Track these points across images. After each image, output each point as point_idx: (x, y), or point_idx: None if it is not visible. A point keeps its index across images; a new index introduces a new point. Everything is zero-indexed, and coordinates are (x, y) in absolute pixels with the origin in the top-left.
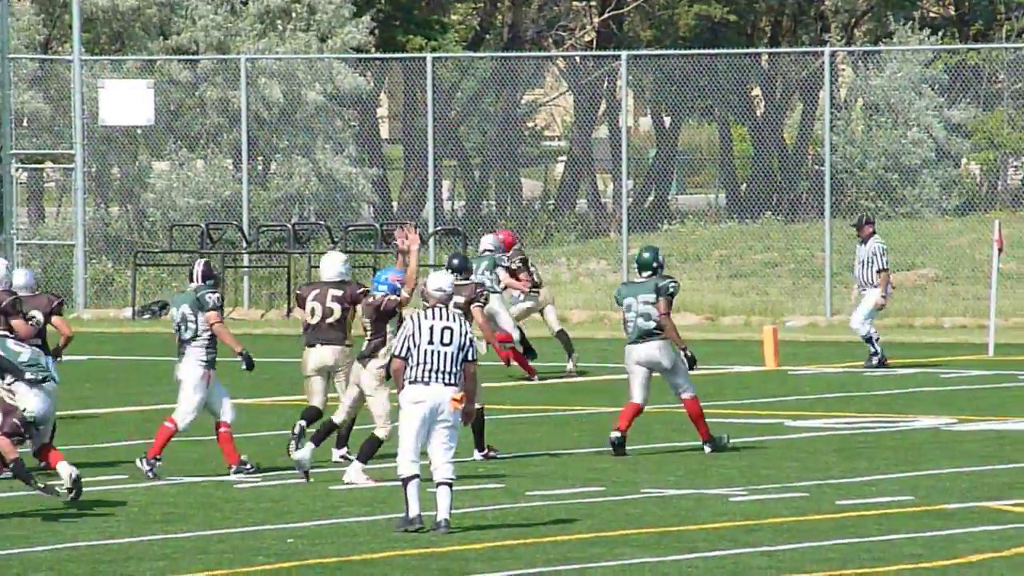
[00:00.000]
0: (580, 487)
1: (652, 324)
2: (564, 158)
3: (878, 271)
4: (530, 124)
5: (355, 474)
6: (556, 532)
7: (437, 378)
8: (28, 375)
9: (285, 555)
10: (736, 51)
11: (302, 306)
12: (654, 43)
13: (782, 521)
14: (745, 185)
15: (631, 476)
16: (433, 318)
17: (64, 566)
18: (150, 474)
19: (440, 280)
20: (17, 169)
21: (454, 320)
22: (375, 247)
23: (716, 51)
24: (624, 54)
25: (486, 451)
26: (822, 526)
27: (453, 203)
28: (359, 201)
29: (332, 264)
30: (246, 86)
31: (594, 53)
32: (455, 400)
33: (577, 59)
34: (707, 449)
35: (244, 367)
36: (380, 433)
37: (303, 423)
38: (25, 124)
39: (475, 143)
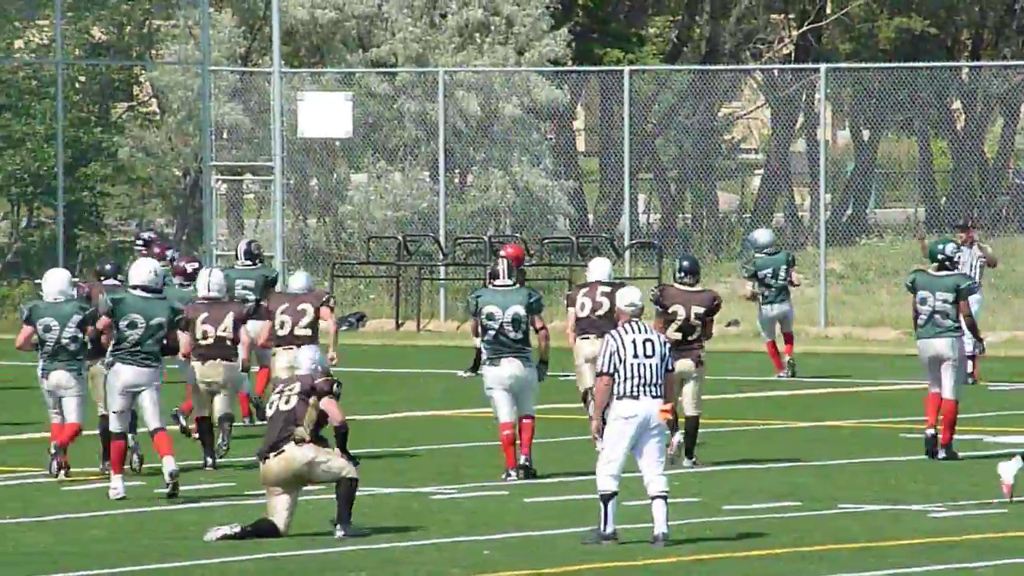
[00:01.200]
0: (777, 502)
1: (949, 322)
2: (761, 171)
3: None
4: (727, 137)
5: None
6: (751, 547)
7: (646, 391)
8: None
9: (479, 567)
10: (936, 64)
11: (572, 305)
12: (853, 56)
13: (982, 538)
14: (944, 199)
15: (828, 491)
16: (634, 332)
17: None
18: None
19: (632, 295)
20: (217, 181)
21: (651, 332)
22: (570, 260)
23: (916, 64)
24: (823, 67)
25: (695, 460)
26: (1022, 543)
27: (649, 216)
28: (555, 214)
29: (602, 267)
30: (444, 99)
31: (792, 66)
32: (664, 411)
33: (775, 72)
34: (941, 454)
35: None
36: None
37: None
38: (225, 136)
39: (671, 156)
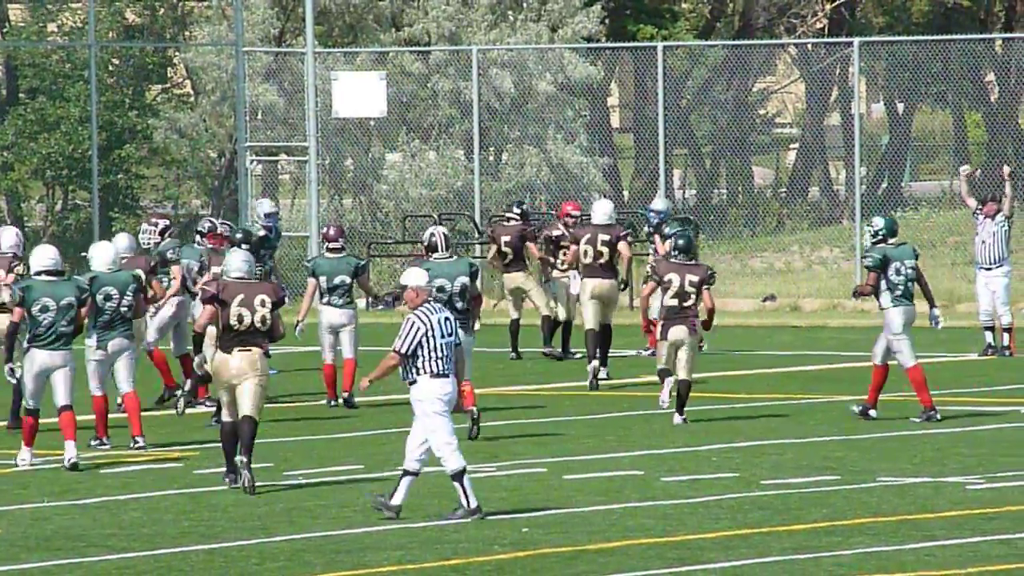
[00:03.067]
0: (816, 475)
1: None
2: (796, 145)
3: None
4: (761, 112)
5: None
6: (791, 521)
7: (450, 369)
8: None
9: (520, 544)
10: (970, 36)
11: (576, 243)
12: (887, 29)
13: (1021, 509)
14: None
15: (867, 464)
16: (437, 311)
17: (300, 556)
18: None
19: (421, 276)
20: (252, 162)
21: (446, 310)
22: None
23: (949, 37)
24: (856, 41)
25: (685, 418)
26: None
27: (684, 192)
28: (590, 191)
29: (602, 209)
30: (478, 77)
31: (826, 40)
32: (465, 390)
33: (809, 46)
34: (917, 420)
35: None
36: None
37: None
38: (260, 117)
39: (706, 131)
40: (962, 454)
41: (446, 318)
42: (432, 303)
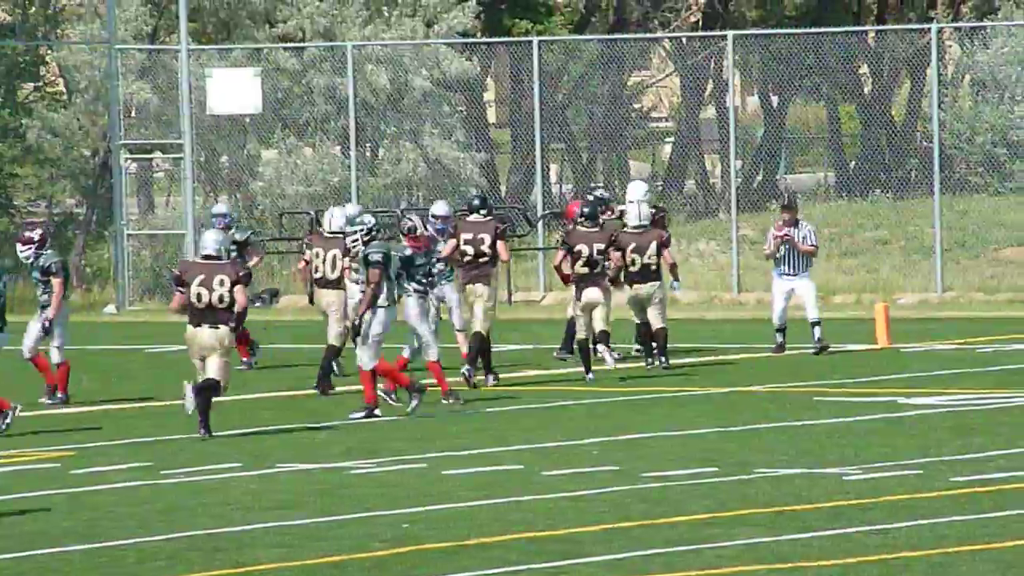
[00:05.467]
0: (695, 468)
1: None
2: (671, 139)
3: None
4: (637, 106)
5: None
6: (671, 513)
7: None
8: None
9: (401, 540)
10: (843, 29)
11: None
12: (760, 22)
13: (896, 499)
14: (854, 163)
15: (745, 456)
16: None
17: (181, 555)
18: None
19: None
20: (126, 160)
21: None
22: None
23: (823, 29)
24: (730, 34)
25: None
26: (936, 503)
27: (561, 186)
28: (467, 186)
29: (636, 188)
30: (353, 73)
31: (700, 34)
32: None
33: (683, 40)
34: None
35: None
36: None
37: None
38: (134, 115)
39: (582, 126)
40: (838, 445)
41: None
42: None
